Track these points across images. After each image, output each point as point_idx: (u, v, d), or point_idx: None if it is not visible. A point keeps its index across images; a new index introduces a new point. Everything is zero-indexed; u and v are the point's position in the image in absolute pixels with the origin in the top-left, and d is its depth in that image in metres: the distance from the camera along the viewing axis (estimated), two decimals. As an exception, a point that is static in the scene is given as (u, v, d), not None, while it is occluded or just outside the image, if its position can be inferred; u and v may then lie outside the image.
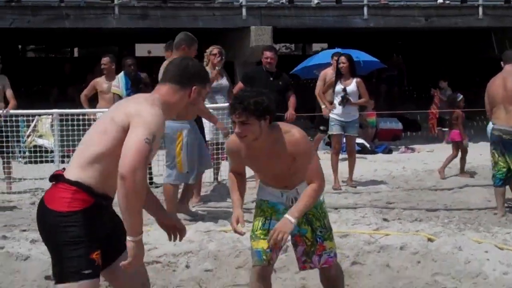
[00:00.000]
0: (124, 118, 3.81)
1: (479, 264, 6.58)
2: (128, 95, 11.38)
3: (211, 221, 8.89)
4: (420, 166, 13.71)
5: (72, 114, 12.26)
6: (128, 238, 3.80)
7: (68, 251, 3.75)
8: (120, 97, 11.48)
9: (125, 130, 3.79)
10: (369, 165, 13.92)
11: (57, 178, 3.86)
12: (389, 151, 16.33)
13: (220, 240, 7.66)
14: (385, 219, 8.74)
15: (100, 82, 12.69)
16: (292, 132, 4.75)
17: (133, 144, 3.69)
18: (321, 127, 14.33)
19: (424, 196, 10.76)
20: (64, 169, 3.93)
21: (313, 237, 4.98)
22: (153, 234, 7.93)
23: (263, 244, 4.87)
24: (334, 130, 11.94)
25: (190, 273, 6.56)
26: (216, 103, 11.95)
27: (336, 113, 11.90)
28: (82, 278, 3.75)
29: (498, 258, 6.85)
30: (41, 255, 7.09)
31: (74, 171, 3.83)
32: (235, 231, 4.88)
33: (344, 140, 12.19)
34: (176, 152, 8.78)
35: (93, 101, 12.94)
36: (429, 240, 7.49)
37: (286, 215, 4.65)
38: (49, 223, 3.80)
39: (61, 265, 3.78)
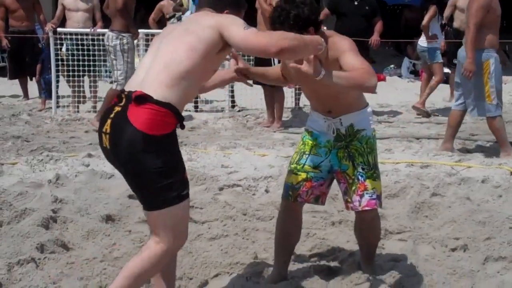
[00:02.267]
0: (210, 31, 3.72)
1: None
2: None
3: (292, 147, 8.94)
4: (506, 98, 13.40)
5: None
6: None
7: (166, 175, 3.65)
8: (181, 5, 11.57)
9: (213, 44, 3.74)
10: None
11: (145, 99, 3.61)
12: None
13: (300, 166, 7.71)
14: (468, 151, 8.63)
15: (166, 5, 12.70)
16: (333, 38, 4.35)
17: (243, 38, 3.70)
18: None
19: (510, 128, 10.53)
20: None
21: (354, 174, 4.50)
22: (234, 158, 8.05)
23: (293, 179, 4.58)
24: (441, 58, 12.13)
25: (270, 197, 6.62)
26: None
27: (439, 41, 12.07)
28: (182, 199, 3.73)
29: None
30: (125, 174, 7.27)
31: (161, 90, 3.63)
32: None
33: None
34: (484, 81, 8.36)
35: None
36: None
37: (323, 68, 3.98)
38: (141, 147, 3.59)
39: (161, 189, 3.66)
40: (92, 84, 12.04)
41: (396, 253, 5.24)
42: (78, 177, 7.10)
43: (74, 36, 11.75)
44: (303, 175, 4.58)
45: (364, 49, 11.53)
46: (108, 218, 5.85)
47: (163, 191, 3.66)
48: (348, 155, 4.52)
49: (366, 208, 4.53)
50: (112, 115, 3.71)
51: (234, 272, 4.81)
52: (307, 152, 4.61)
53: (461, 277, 4.74)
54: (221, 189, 6.84)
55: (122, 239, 5.40)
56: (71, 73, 11.79)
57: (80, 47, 11.74)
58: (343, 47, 4.29)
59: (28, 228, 5.37)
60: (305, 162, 4.59)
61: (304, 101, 12.53)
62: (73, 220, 5.71)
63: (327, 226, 5.86)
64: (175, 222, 3.73)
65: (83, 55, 11.75)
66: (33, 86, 13.36)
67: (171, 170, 3.67)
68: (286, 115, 11.49)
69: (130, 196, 6.36)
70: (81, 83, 12.09)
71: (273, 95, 10.60)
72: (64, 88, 12.20)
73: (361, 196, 4.50)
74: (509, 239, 5.45)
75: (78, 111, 11.73)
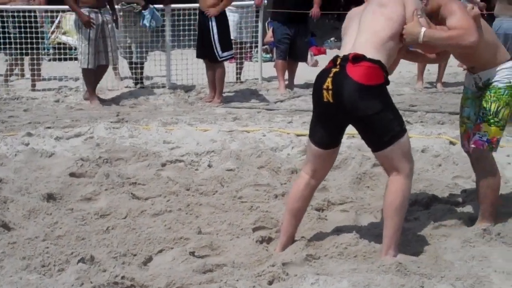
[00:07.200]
0: (400, 7, 4.57)
1: (501, 168, 6.52)
2: None
3: (234, 121, 8.94)
4: (446, 68, 13.57)
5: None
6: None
7: (390, 114, 4.46)
8: None
9: (404, 16, 4.56)
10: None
11: (360, 58, 4.42)
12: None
13: (242, 140, 7.72)
14: (407, 122, 8.74)
15: None
16: (445, 2, 4.93)
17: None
18: None
19: (448, 99, 10.70)
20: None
21: (475, 117, 5.20)
22: (176, 133, 8.03)
23: (460, 130, 5.42)
24: None
25: (212, 172, 6.62)
26: None
27: None
28: (405, 131, 4.54)
29: (519, 162, 6.87)
30: (65, 152, 7.21)
31: (371, 52, 4.44)
32: None
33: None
34: None
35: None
36: (451, 143, 7.50)
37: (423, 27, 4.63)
38: (363, 96, 4.38)
39: (387, 128, 4.45)
40: (35, 61, 11.82)
41: (339, 223, 5.29)
42: (18, 156, 7.01)
43: (16, 13, 11.46)
44: (464, 127, 5.36)
45: (304, 22, 11.66)
46: (49, 197, 5.79)
47: (390, 128, 4.46)
48: (480, 103, 5.15)
49: (472, 146, 5.15)
50: (331, 75, 4.48)
51: (178, 247, 4.81)
52: (463, 105, 5.36)
53: (402, 245, 4.80)
54: (163, 165, 6.81)
55: (64, 217, 5.34)
56: (13, 51, 11.55)
57: (22, 24, 11.47)
58: (448, 9, 4.85)
59: (-33, 209, 5.28)
60: (463, 114, 5.36)
61: (245, 75, 12.52)
62: (14, 200, 5.63)
63: (271, 199, 5.88)
64: (405, 150, 4.54)
65: (25, 32, 11.48)
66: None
67: (390, 109, 4.49)
68: (228, 90, 11.47)
69: (71, 175, 6.31)
70: (21, 61, 11.91)
71: (214, 70, 10.57)
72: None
73: (473, 135, 5.16)
74: (448, 208, 5.56)
75: (15, 90, 11.54)
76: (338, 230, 5.07)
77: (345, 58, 4.49)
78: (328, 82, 4.48)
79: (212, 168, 6.83)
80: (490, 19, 9.28)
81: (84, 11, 10.23)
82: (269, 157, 6.95)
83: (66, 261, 4.42)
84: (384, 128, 4.46)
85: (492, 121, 5.07)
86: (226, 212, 5.54)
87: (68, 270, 4.25)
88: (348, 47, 4.60)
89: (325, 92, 4.49)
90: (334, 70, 4.51)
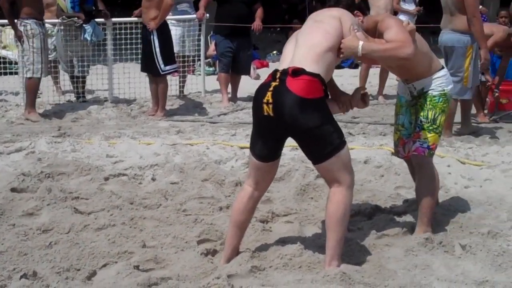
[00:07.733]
0: (336, 22, 4.68)
1: (441, 177, 6.68)
2: (73, 8, 11.19)
3: (177, 134, 8.93)
4: (387, 81, 13.74)
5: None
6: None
7: (330, 127, 4.51)
8: (63, 11, 11.27)
9: (341, 30, 4.66)
10: (334, 80, 13.91)
11: (299, 72, 4.45)
12: (356, 66, 16.33)
13: (186, 153, 7.71)
14: (350, 133, 8.83)
15: None
16: (382, 17, 5.20)
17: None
18: None
19: (389, 111, 10.83)
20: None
21: (413, 126, 5.38)
22: (119, 147, 7.97)
23: (394, 137, 5.63)
24: None
25: (156, 185, 6.60)
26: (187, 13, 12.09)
27: None
28: (345, 143, 4.60)
29: (459, 172, 7.00)
30: (6, 167, 7.10)
31: (310, 65, 4.49)
32: None
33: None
34: (465, 66, 8.48)
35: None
36: (393, 154, 7.58)
37: (360, 40, 4.72)
38: (303, 109, 4.42)
39: (327, 141, 4.49)
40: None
41: (284, 234, 5.31)
42: (-42, 172, 6.89)
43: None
44: (398, 134, 5.55)
45: (246, 35, 11.72)
46: (-9, 213, 5.70)
47: (330, 141, 4.49)
48: (415, 111, 5.37)
49: (414, 153, 5.30)
50: (271, 88, 4.51)
51: (122, 261, 4.77)
52: (398, 113, 5.55)
53: (346, 255, 4.85)
54: (106, 179, 6.75)
55: (6, 233, 5.27)
56: None
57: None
58: (385, 25, 5.01)
59: None
60: (398, 121, 5.55)
61: (188, 89, 12.51)
62: (-46, 216, 5.54)
63: (215, 211, 5.88)
64: (346, 162, 4.59)
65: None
66: None
67: (330, 122, 4.53)
68: (171, 103, 11.45)
69: (12, 190, 6.21)
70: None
71: (157, 83, 10.54)
72: None
73: (413, 142, 5.32)
74: (391, 217, 5.63)
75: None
76: (283, 241, 5.09)
77: (285, 72, 4.53)
78: (268, 96, 4.50)
79: (155, 181, 6.80)
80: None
81: (31, 22, 10.18)
82: (213, 169, 6.95)
83: (9, 277, 4.36)
84: (324, 140, 4.50)
85: (430, 128, 5.26)
86: (171, 225, 5.52)
87: (11, 286, 4.20)
88: (286, 61, 4.65)
89: (265, 106, 4.52)
90: (273, 84, 4.54)
